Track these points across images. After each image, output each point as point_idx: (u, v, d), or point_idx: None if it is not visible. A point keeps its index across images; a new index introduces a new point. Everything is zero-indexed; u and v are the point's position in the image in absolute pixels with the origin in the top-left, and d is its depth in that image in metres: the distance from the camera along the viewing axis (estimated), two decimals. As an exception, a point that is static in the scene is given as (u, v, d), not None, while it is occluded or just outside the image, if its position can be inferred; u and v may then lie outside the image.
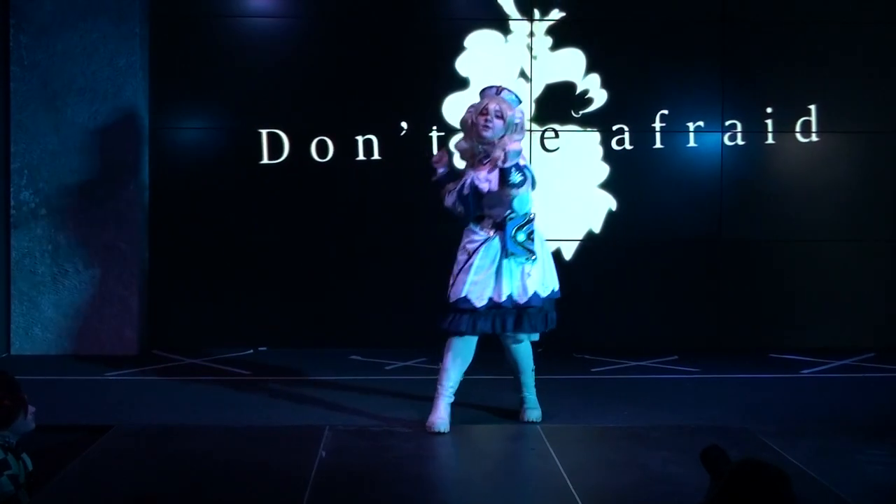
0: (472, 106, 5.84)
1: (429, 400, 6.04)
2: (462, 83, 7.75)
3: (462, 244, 5.81)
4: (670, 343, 7.97)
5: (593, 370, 7.34)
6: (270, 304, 8.02)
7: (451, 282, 5.75)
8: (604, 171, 7.98)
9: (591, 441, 5.65)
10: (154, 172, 7.93)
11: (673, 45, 8.01)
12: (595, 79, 7.75)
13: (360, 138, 7.96)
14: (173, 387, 6.85)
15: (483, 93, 5.85)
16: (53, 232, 7.74)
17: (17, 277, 7.74)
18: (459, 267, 5.74)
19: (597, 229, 8.00)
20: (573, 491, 4.73)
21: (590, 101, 7.59)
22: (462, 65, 7.73)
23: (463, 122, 5.85)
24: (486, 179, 5.67)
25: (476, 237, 5.74)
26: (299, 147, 7.97)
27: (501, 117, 5.65)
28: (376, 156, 7.96)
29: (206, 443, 5.49)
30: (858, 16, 8.10)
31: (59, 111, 7.70)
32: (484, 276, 5.67)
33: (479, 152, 5.75)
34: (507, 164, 5.55)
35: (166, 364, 7.47)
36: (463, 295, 5.66)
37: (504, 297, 5.66)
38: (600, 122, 7.91)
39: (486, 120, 5.65)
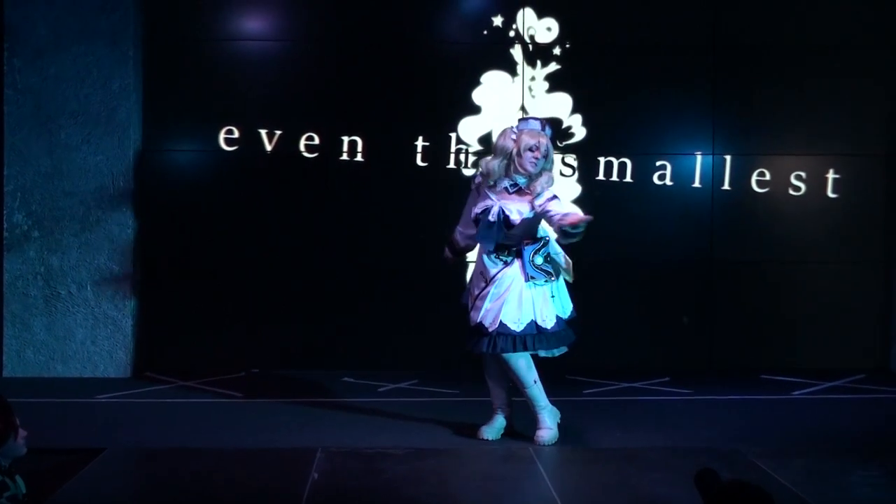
0: (511, 133, 5.92)
1: (421, 421, 6.03)
2: (476, 110, 8.07)
3: (477, 270, 5.99)
4: (662, 365, 7.99)
5: (585, 392, 7.35)
6: (263, 326, 8.02)
7: (470, 305, 5.96)
8: (576, 192, 8.08)
9: (583, 463, 5.65)
10: (147, 195, 7.94)
11: (663, 72, 8.10)
12: (578, 118, 8.15)
13: (358, 159, 8.01)
14: (166, 409, 6.85)
15: (525, 123, 6.01)
16: (46, 254, 7.74)
17: (10, 300, 7.74)
18: (478, 292, 5.92)
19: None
20: (565, 513, 4.73)
21: (572, 135, 8.15)
22: (477, 95, 8.11)
23: (503, 147, 5.90)
24: (517, 211, 5.83)
25: (493, 266, 5.88)
26: (293, 170, 7.99)
27: (546, 155, 5.87)
28: (372, 175, 8.00)
29: (198, 465, 5.49)
30: (846, 41, 8.15)
31: (52, 134, 7.72)
32: (499, 303, 5.83)
33: (507, 182, 5.87)
34: (563, 222, 5.70)
35: (159, 386, 7.47)
36: (479, 321, 5.87)
37: (524, 325, 5.82)
38: (583, 151, 8.11)
39: (536, 157, 5.82)
